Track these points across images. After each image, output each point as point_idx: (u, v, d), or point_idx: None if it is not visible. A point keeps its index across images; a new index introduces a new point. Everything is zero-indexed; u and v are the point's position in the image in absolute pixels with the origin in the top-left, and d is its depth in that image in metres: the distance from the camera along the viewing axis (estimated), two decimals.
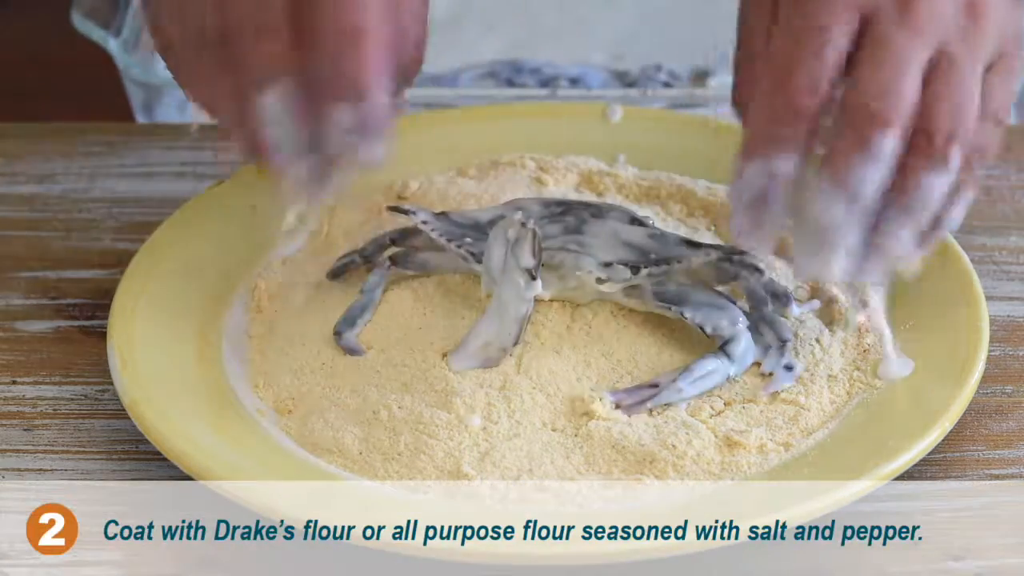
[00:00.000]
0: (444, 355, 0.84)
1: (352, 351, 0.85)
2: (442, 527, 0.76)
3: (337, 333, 0.86)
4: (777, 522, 0.75)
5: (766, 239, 0.77)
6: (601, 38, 1.16)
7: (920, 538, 0.79)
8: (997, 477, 0.82)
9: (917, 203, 0.76)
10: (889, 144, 0.75)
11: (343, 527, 0.75)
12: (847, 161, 0.75)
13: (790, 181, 0.76)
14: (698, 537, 0.75)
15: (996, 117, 0.77)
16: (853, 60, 0.76)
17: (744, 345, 0.84)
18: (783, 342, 0.84)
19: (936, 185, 0.76)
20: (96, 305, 0.93)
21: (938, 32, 0.76)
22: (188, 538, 0.79)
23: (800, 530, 0.77)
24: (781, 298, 0.86)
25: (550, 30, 1.16)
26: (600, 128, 1.00)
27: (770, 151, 0.76)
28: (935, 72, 0.76)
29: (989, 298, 0.87)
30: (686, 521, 0.76)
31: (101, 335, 0.87)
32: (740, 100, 0.79)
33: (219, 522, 0.80)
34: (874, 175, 0.75)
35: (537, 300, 0.84)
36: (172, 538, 0.79)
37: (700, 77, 1.13)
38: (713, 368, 0.83)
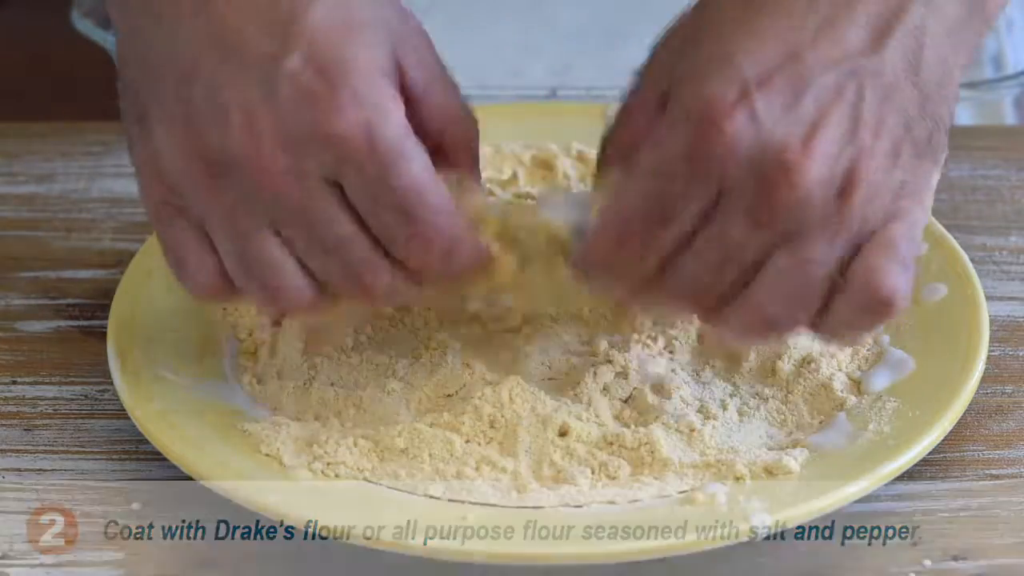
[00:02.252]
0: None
1: None
2: (442, 527, 0.76)
3: None
4: (777, 522, 0.75)
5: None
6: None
7: (920, 538, 0.79)
8: (997, 477, 0.82)
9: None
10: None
11: (343, 527, 0.75)
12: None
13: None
14: (698, 537, 0.75)
15: (897, 268, 0.73)
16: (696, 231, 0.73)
17: None
18: None
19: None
20: (96, 305, 0.92)
21: (792, 222, 0.72)
22: (188, 538, 0.79)
23: (800, 530, 0.77)
24: None
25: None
26: (600, 128, 1.00)
27: (597, 271, 0.76)
28: (778, 259, 0.73)
29: (989, 298, 0.87)
30: (686, 521, 0.76)
31: (101, 335, 0.87)
32: (604, 161, 0.79)
33: (219, 522, 0.80)
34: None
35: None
36: (172, 538, 0.79)
37: None
38: None
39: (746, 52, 0.72)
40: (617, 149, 0.77)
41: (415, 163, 0.73)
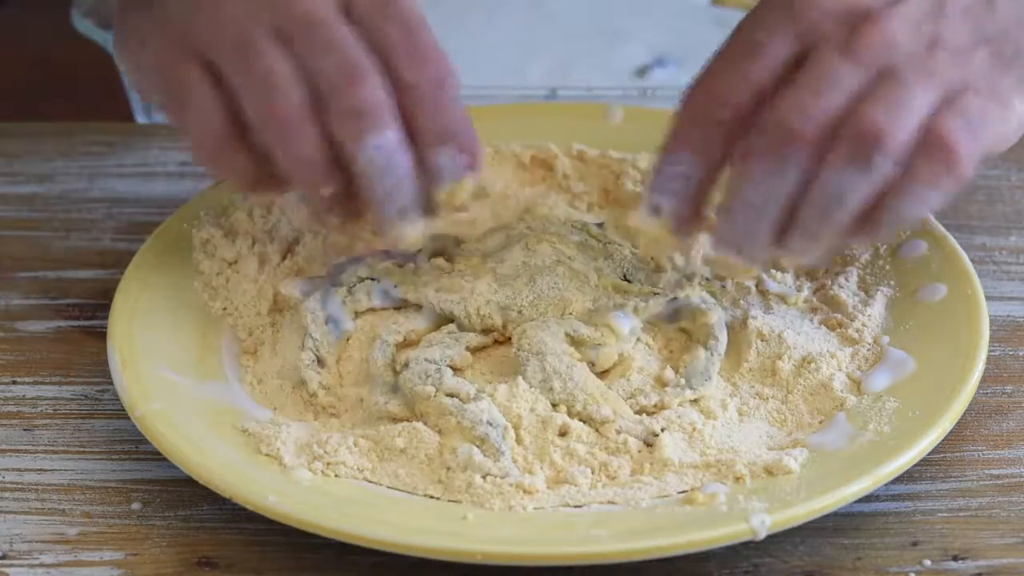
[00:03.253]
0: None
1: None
2: (442, 527, 0.76)
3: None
4: (777, 522, 0.75)
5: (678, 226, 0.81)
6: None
7: (920, 538, 0.79)
8: (997, 477, 0.82)
9: (831, 200, 0.77)
10: (799, 155, 0.77)
11: (343, 527, 0.75)
12: (753, 174, 0.77)
13: (695, 179, 0.79)
14: (698, 537, 0.75)
15: (964, 129, 0.78)
16: (787, 81, 0.78)
17: None
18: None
19: (852, 183, 0.77)
20: (96, 305, 0.93)
21: (882, 59, 0.77)
22: (188, 538, 0.79)
23: (801, 530, 0.77)
24: None
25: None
26: (600, 128, 1.00)
27: (680, 151, 0.79)
28: (873, 88, 0.77)
29: (989, 298, 0.87)
30: (686, 521, 0.76)
31: (101, 335, 0.87)
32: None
33: (219, 522, 0.80)
34: (782, 187, 0.77)
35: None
36: (172, 538, 0.79)
37: None
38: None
39: None
40: None
41: (414, 3, 0.80)
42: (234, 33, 0.80)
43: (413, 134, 0.80)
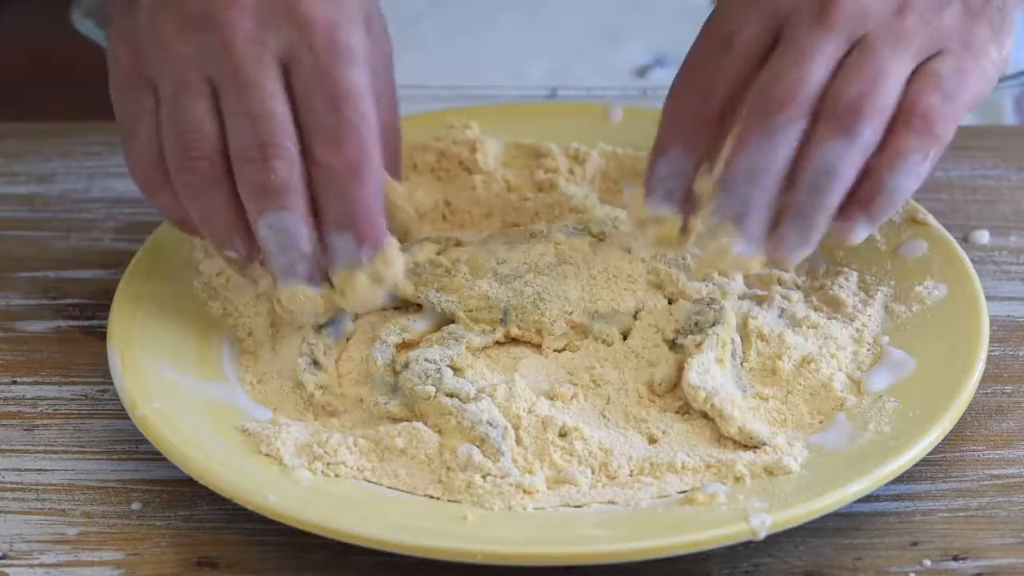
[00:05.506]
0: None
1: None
2: (442, 527, 0.76)
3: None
4: (777, 522, 0.75)
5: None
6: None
7: (920, 538, 0.79)
8: (997, 477, 0.82)
9: (820, 174, 0.79)
10: (788, 125, 0.78)
11: (343, 527, 0.75)
12: (747, 144, 0.79)
13: (690, 175, 0.81)
14: (698, 537, 0.75)
15: (939, 94, 0.79)
16: (766, 59, 0.80)
17: None
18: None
19: (838, 155, 0.78)
20: (96, 305, 0.93)
21: (854, 27, 0.79)
22: (188, 538, 0.79)
23: (801, 530, 0.77)
24: None
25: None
26: (600, 128, 1.00)
27: (671, 150, 0.81)
28: (848, 59, 0.79)
29: (989, 298, 0.87)
30: (686, 521, 0.76)
31: (101, 335, 0.87)
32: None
33: (219, 522, 0.80)
34: (775, 156, 0.78)
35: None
36: (172, 538, 0.79)
37: None
38: None
39: None
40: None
41: (362, 73, 0.80)
42: (175, 73, 0.80)
43: (317, 212, 0.80)
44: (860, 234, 0.81)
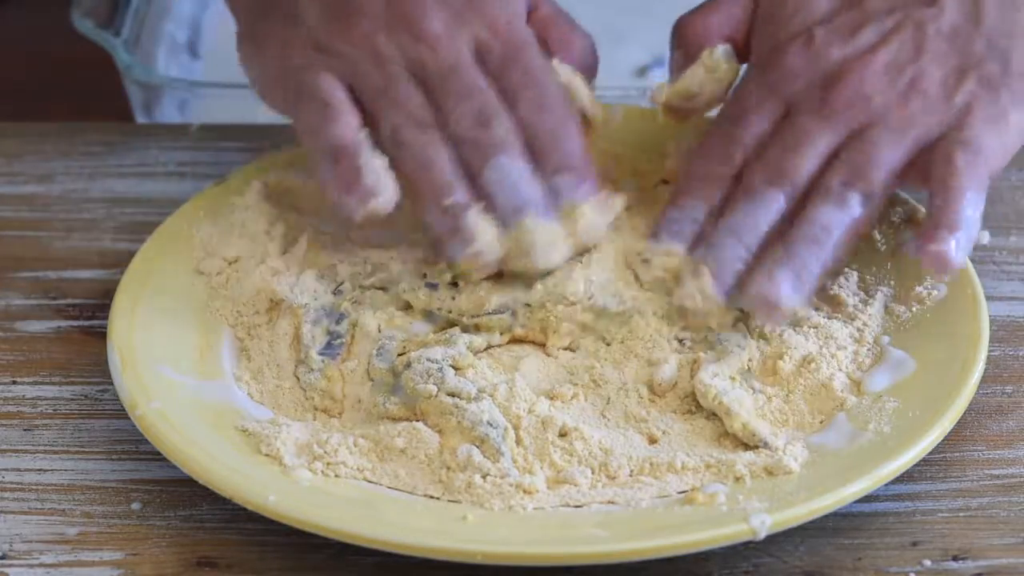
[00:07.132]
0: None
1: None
2: (442, 527, 0.76)
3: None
4: (777, 522, 0.75)
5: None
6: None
7: (920, 538, 0.79)
8: (997, 477, 0.82)
9: (802, 235, 0.83)
10: (775, 199, 0.84)
11: (343, 527, 0.75)
12: (734, 209, 0.85)
13: (701, 221, 0.86)
14: (698, 537, 0.75)
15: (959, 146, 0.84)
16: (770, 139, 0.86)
17: None
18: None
19: (826, 220, 0.84)
20: (96, 305, 0.93)
21: (855, 115, 0.85)
22: (188, 538, 0.79)
23: (801, 530, 0.77)
24: None
25: None
26: (600, 128, 1.00)
27: (688, 201, 0.86)
28: (848, 141, 0.85)
29: (989, 298, 0.87)
30: (686, 521, 0.76)
31: (101, 335, 0.87)
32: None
33: (219, 522, 0.80)
34: (757, 221, 0.84)
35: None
36: (172, 538, 0.79)
37: None
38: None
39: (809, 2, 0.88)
40: None
41: (541, 55, 0.88)
42: (371, 53, 0.85)
43: (537, 165, 0.86)
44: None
